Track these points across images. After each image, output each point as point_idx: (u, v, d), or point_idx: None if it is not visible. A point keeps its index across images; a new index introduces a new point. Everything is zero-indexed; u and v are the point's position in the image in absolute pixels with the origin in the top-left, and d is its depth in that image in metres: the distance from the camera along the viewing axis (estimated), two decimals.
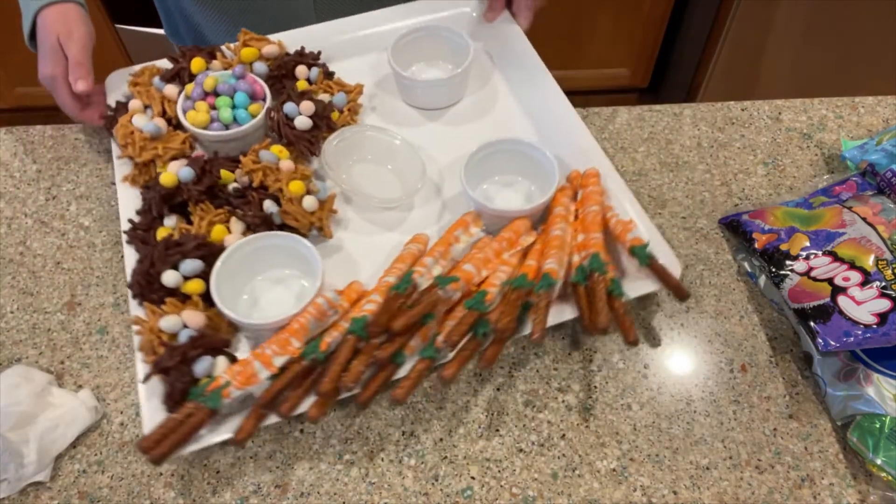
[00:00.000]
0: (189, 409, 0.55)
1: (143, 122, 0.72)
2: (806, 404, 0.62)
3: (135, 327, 0.61)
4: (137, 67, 0.81)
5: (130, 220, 0.68)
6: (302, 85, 0.77)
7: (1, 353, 0.66)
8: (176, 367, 0.57)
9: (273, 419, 0.57)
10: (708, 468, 0.59)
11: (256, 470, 0.59)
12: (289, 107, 0.72)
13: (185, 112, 0.73)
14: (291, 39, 0.82)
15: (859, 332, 0.58)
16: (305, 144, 0.72)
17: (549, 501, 0.58)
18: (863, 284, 0.60)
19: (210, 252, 0.63)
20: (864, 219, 0.66)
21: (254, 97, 0.75)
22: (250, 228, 0.67)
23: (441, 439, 0.61)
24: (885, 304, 0.59)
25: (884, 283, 0.60)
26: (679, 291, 0.62)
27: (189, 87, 0.74)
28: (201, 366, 0.58)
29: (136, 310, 0.63)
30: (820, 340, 0.59)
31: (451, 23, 0.84)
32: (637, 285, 0.63)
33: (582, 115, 0.78)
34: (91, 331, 0.67)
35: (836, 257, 0.63)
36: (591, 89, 1.90)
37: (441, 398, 0.63)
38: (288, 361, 0.57)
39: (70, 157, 0.81)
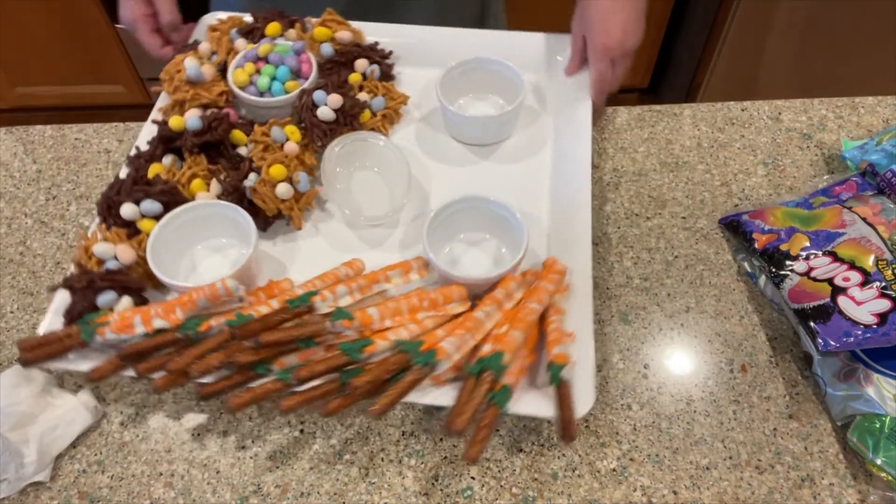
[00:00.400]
0: (70, 332, 0.58)
1: (191, 64, 0.74)
2: (806, 404, 0.62)
3: (80, 240, 0.64)
4: (226, 15, 0.84)
5: (137, 147, 0.72)
6: (354, 78, 0.77)
7: (1, 353, 0.66)
8: (81, 289, 0.60)
9: (130, 372, 0.58)
10: (708, 468, 0.59)
11: (256, 470, 0.59)
12: (318, 94, 0.72)
13: (234, 68, 0.76)
14: (372, 31, 0.83)
15: (859, 333, 0.58)
16: (319, 134, 0.72)
17: (549, 501, 0.58)
18: (863, 284, 0.60)
19: (174, 200, 0.66)
20: (864, 219, 0.66)
21: (298, 75, 0.76)
22: (224, 194, 0.68)
23: (441, 439, 0.61)
24: (885, 305, 0.59)
25: (884, 284, 0.60)
26: (567, 429, 0.54)
27: (249, 47, 0.77)
28: (104, 298, 0.61)
29: (94, 227, 0.66)
30: (820, 340, 0.59)
31: (528, 58, 0.81)
32: (536, 403, 0.56)
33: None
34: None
35: (836, 257, 0.63)
36: None
37: None
38: (166, 328, 0.57)
39: (70, 157, 0.82)
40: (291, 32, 0.80)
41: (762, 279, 0.69)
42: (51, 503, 0.58)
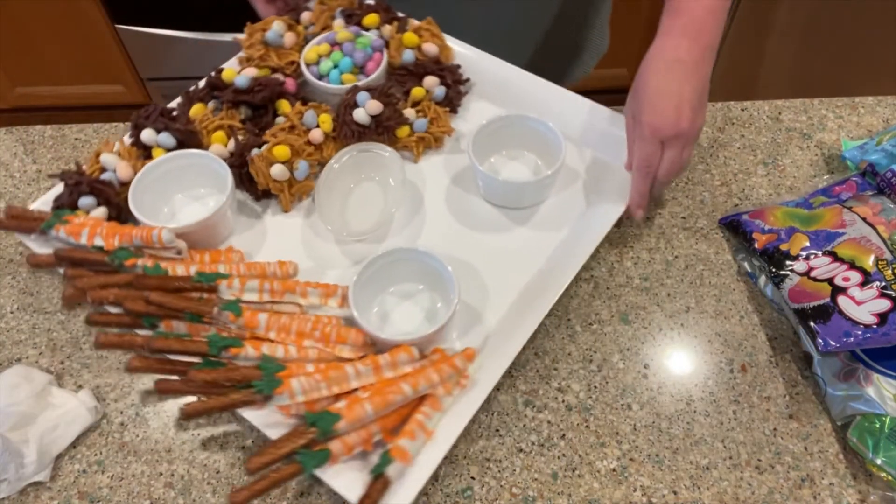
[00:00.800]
0: (41, 216, 0.65)
1: (277, 27, 0.77)
2: (806, 404, 0.62)
3: (104, 146, 0.70)
4: None
5: (197, 85, 0.76)
6: (418, 92, 0.76)
7: (1, 353, 0.66)
8: (70, 185, 0.67)
9: (59, 269, 0.63)
10: (708, 468, 0.59)
11: None
12: (361, 95, 0.72)
13: (312, 44, 0.78)
14: (463, 55, 0.81)
15: (859, 332, 0.58)
16: (347, 133, 0.72)
17: (549, 501, 0.58)
18: (863, 284, 0.60)
19: (189, 142, 0.70)
20: (864, 219, 0.66)
21: (361, 70, 0.77)
22: (232, 154, 0.70)
23: None
24: (885, 304, 0.59)
25: (884, 283, 0.60)
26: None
27: (339, 28, 0.78)
28: (85, 201, 0.66)
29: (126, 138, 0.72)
30: (820, 340, 0.59)
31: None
32: (348, 481, 0.54)
33: None
34: (91, 331, 0.67)
35: (836, 257, 0.63)
36: (591, 89, 1.90)
37: None
38: (100, 249, 0.62)
39: (70, 157, 0.81)
40: (387, 28, 0.80)
41: (762, 279, 0.69)
42: (51, 503, 0.58)
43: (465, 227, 0.71)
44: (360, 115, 0.71)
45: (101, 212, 0.67)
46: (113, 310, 0.60)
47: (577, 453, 0.60)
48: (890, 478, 0.56)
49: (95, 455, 0.60)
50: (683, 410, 0.62)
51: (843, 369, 0.61)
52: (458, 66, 0.80)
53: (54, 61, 1.83)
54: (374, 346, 0.60)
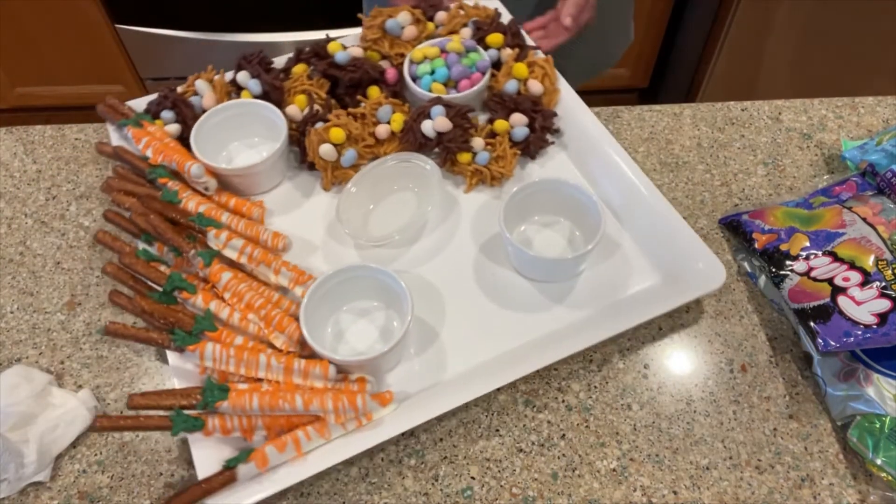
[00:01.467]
0: (127, 113, 0.75)
1: (402, 18, 0.79)
2: (806, 404, 0.62)
3: (206, 74, 0.78)
4: (498, 5, 0.86)
5: (312, 45, 0.79)
6: (500, 126, 0.74)
7: (1, 353, 0.66)
8: (160, 97, 0.76)
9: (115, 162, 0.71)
10: (708, 468, 0.59)
11: None
12: (436, 109, 0.72)
13: (426, 44, 0.79)
14: (568, 104, 0.77)
15: (859, 332, 0.58)
16: (410, 139, 0.73)
17: (549, 501, 0.58)
18: (863, 284, 0.60)
19: (272, 95, 0.75)
20: (864, 219, 0.66)
21: (455, 86, 0.77)
22: (301, 121, 0.74)
23: (441, 439, 0.61)
24: (885, 304, 0.59)
25: (884, 284, 0.60)
26: (176, 498, 0.54)
27: (454, 37, 0.78)
28: (165, 114, 0.74)
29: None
30: (820, 340, 0.59)
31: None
32: (207, 458, 0.56)
33: None
34: (91, 331, 0.67)
35: (836, 257, 0.63)
36: (591, 89, 1.90)
37: None
38: (147, 160, 0.71)
39: (70, 157, 0.81)
40: (507, 51, 0.79)
41: (762, 279, 0.69)
42: (51, 503, 0.58)
43: (479, 274, 0.68)
44: (427, 126, 0.71)
45: (174, 128, 0.73)
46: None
47: (577, 453, 0.60)
48: (890, 478, 0.56)
49: (95, 455, 0.60)
50: (683, 410, 0.62)
51: (843, 369, 0.61)
52: (555, 114, 0.76)
53: (54, 61, 1.83)
54: (309, 350, 0.59)
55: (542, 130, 0.75)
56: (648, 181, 0.71)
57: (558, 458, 0.60)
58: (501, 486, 0.58)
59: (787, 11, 1.55)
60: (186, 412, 0.55)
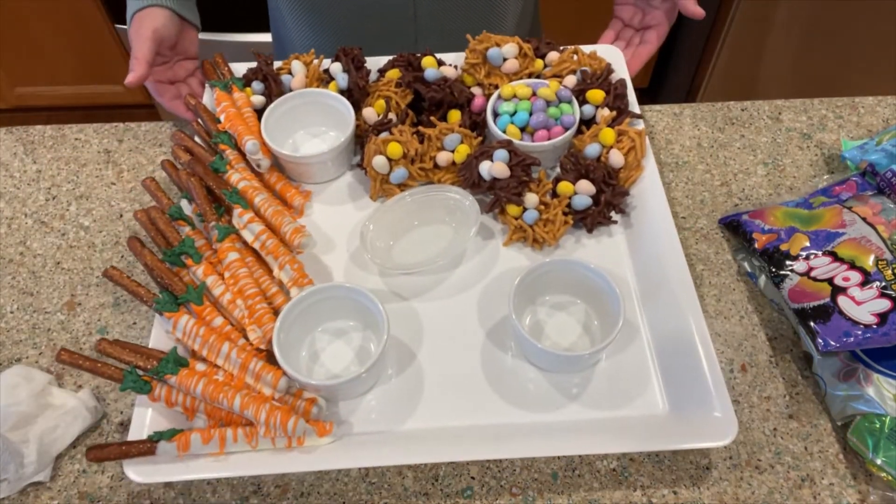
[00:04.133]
0: (220, 64, 0.79)
1: (507, 49, 0.76)
2: (806, 404, 0.62)
3: (304, 57, 0.79)
4: (616, 53, 0.81)
5: (410, 57, 0.78)
6: (564, 188, 0.69)
7: (1, 353, 0.66)
8: (256, 69, 0.77)
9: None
10: (708, 468, 0.59)
11: None
12: (500, 153, 0.68)
13: (520, 82, 0.75)
14: (649, 189, 0.69)
15: (859, 332, 0.58)
16: (466, 174, 0.70)
17: (549, 501, 0.58)
18: (863, 284, 0.60)
19: (354, 93, 0.75)
20: (864, 219, 0.66)
21: (530, 133, 0.72)
22: (372, 126, 0.74)
23: None
24: (885, 304, 0.59)
25: (884, 283, 0.60)
26: (96, 451, 0.55)
27: (552, 83, 0.73)
28: (256, 85, 0.77)
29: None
30: (820, 340, 0.59)
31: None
32: (140, 419, 0.57)
33: None
34: (91, 331, 0.67)
35: (836, 257, 0.63)
36: None
37: None
38: (219, 123, 0.73)
39: (70, 157, 0.81)
40: (604, 112, 0.73)
41: (762, 279, 0.69)
42: (51, 503, 0.58)
43: (486, 330, 0.64)
44: (485, 167, 0.68)
45: (259, 100, 0.75)
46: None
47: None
48: (890, 478, 0.56)
49: None
50: None
51: (843, 369, 0.61)
52: (627, 193, 0.70)
53: (54, 61, 1.83)
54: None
55: (607, 206, 0.69)
56: (696, 299, 0.62)
57: (558, 458, 0.60)
58: (501, 486, 0.58)
59: (787, 11, 1.55)
60: (140, 373, 0.57)
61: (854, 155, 0.76)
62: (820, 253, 0.65)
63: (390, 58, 0.78)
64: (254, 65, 0.78)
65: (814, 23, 1.58)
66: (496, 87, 0.76)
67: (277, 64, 0.79)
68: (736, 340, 0.66)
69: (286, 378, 0.57)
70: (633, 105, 0.76)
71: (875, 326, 0.58)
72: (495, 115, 0.74)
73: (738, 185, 0.78)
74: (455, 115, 0.75)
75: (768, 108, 0.85)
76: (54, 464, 0.59)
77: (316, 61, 0.77)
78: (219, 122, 0.73)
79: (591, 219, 0.69)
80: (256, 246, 0.65)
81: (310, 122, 0.77)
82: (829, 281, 0.62)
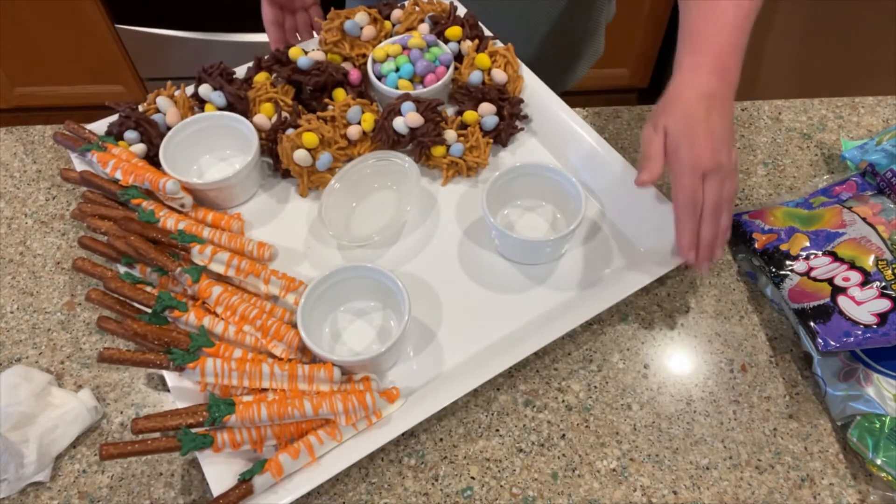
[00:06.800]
0: (91, 138, 0.72)
1: (359, 18, 0.78)
2: (806, 404, 0.62)
3: (165, 90, 0.75)
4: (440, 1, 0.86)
5: (272, 51, 0.78)
6: (470, 117, 0.74)
7: (1, 353, 0.66)
8: (121, 117, 0.73)
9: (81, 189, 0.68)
10: (708, 468, 0.59)
11: None
12: (406, 105, 0.72)
13: (386, 42, 0.79)
14: (533, 90, 0.78)
15: (859, 332, 0.58)
16: (383, 138, 0.73)
17: (549, 501, 0.58)
18: (863, 284, 0.60)
19: (237, 107, 0.74)
20: (864, 219, 0.66)
21: (421, 81, 0.77)
22: (269, 128, 0.73)
23: (441, 439, 0.61)
24: (885, 304, 0.59)
25: (884, 283, 0.60)
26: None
27: (415, 33, 0.79)
28: (129, 135, 0.72)
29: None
30: (820, 340, 0.59)
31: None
32: (217, 474, 0.55)
33: (582, 115, 0.78)
34: (91, 331, 0.67)
35: (836, 257, 0.63)
36: (591, 89, 1.90)
37: None
38: (116, 182, 0.68)
39: (70, 158, 0.81)
40: (467, 44, 0.79)
41: (762, 279, 0.69)
42: (51, 503, 0.58)
43: (465, 264, 0.69)
44: (399, 123, 0.71)
45: (140, 148, 0.71)
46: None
47: (577, 453, 0.60)
48: (890, 478, 0.56)
49: (95, 455, 0.60)
50: (683, 410, 0.62)
51: (843, 369, 0.61)
52: (522, 101, 0.77)
53: (54, 61, 1.83)
54: (310, 355, 0.60)
55: (511, 118, 0.76)
56: (620, 157, 0.71)
57: (558, 458, 0.60)
58: (501, 486, 0.58)
59: (787, 11, 1.55)
60: (194, 430, 0.54)
61: (854, 155, 0.76)
62: (820, 253, 0.65)
63: (249, 65, 0.79)
64: (114, 118, 0.74)
65: (814, 23, 1.58)
66: (363, 55, 0.78)
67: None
68: (736, 340, 0.66)
69: (338, 369, 0.57)
70: (486, 31, 0.83)
71: (875, 326, 0.58)
72: (379, 78, 0.77)
73: (738, 185, 0.78)
74: (340, 94, 0.76)
75: (768, 108, 0.85)
76: (54, 464, 0.59)
77: (178, 92, 0.75)
78: (116, 180, 0.68)
79: (504, 133, 0.76)
80: (231, 273, 0.63)
81: (208, 149, 0.75)
82: (829, 281, 0.62)
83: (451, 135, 0.73)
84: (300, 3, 0.85)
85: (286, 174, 0.74)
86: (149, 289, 0.62)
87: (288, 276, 0.64)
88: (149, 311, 0.60)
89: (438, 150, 0.73)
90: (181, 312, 0.60)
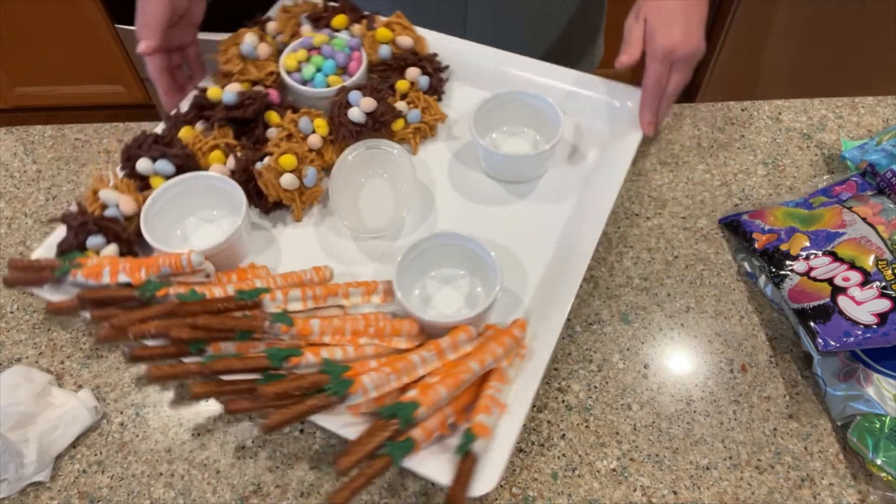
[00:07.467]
0: (51, 264, 0.61)
1: (249, 39, 0.76)
2: (806, 404, 0.62)
3: (92, 179, 0.67)
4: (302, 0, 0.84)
5: (178, 108, 0.74)
6: (402, 85, 0.76)
7: (1, 353, 0.66)
8: (75, 227, 0.63)
9: (85, 315, 0.60)
10: (708, 468, 0.59)
11: (256, 470, 0.59)
12: (353, 94, 0.71)
13: (288, 52, 0.77)
14: (437, 44, 0.81)
15: (859, 332, 0.58)
16: (346, 133, 0.72)
17: (549, 501, 0.58)
18: (863, 284, 0.60)
19: (188, 166, 0.68)
20: (864, 219, 0.66)
21: (344, 71, 0.76)
22: (235, 171, 0.69)
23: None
24: (885, 304, 0.59)
25: (884, 283, 0.60)
26: (455, 499, 0.51)
27: (309, 34, 0.78)
28: (94, 241, 0.63)
29: (116, 172, 0.69)
30: (820, 340, 0.59)
31: (584, 101, 0.77)
32: (437, 465, 0.54)
33: None
34: (92, 331, 0.67)
35: (836, 257, 0.63)
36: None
37: None
38: (127, 283, 0.60)
39: (70, 157, 0.81)
40: (356, 28, 0.80)
41: (762, 279, 0.69)
42: (51, 503, 0.58)
43: (475, 205, 0.73)
44: (354, 114, 0.71)
45: (112, 249, 0.63)
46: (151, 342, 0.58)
47: (577, 453, 0.60)
48: (890, 478, 0.56)
49: (95, 455, 0.60)
50: (683, 410, 0.62)
51: (843, 369, 0.61)
52: (435, 55, 0.80)
53: (54, 61, 1.83)
54: (425, 333, 0.61)
55: (436, 72, 0.79)
56: (548, 65, 0.79)
57: (558, 458, 0.60)
58: (501, 486, 0.58)
59: (787, 11, 1.55)
60: (394, 441, 0.52)
61: (854, 155, 0.76)
62: (820, 253, 0.65)
63: (163, 126, 0.73)
64: (57, 236, 0.65)
65: (814, 23, 1.58)
66: (272, 73, 0.76)
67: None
68: (736, 340, 0.66)
69: (472, 327, 0.58)
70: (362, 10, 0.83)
71: (875, 326, 0.58)
72: (304, 83, 0.76)
73: (738, 185, 0.78)
74: (274, 116, 0.73)
75: (768, 108, 0.85)
76: (54, 464, 0.59)
77: (117, 180, 0.67)
78: (127, 284, 0.60)
79: (437, 87, 0.79)
80: (311, 305, 0.61)
81: (183, 217, 0.69)
82: (829, 281, 0.62)
83: (402, 106, 0.75)
84: (178, 43, 0.75)
85: (274, 207, 0.71)
86: (252, 353, 0.57)
87: (360, 282, 0.63)
88: (258, 375, 0.55)
89: (398, 124, 0.74)
90: (298, 357, 0.56)
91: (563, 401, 0.63)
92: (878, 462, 0.56)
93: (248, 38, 0.76)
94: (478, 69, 0.81)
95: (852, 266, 0.62)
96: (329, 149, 0.73)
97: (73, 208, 0.65)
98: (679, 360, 0.65)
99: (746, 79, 1.72)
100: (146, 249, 0.65)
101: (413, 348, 0.59)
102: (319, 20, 0.81)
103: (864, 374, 0.59)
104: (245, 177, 0.68)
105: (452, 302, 0.65)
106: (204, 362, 0.55)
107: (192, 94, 0.75)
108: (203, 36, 0.80)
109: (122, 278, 0.60)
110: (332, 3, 0.83)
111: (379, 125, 0.73)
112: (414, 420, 0.53)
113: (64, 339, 0.67)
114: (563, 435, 0.61)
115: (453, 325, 0.58)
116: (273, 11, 0.84)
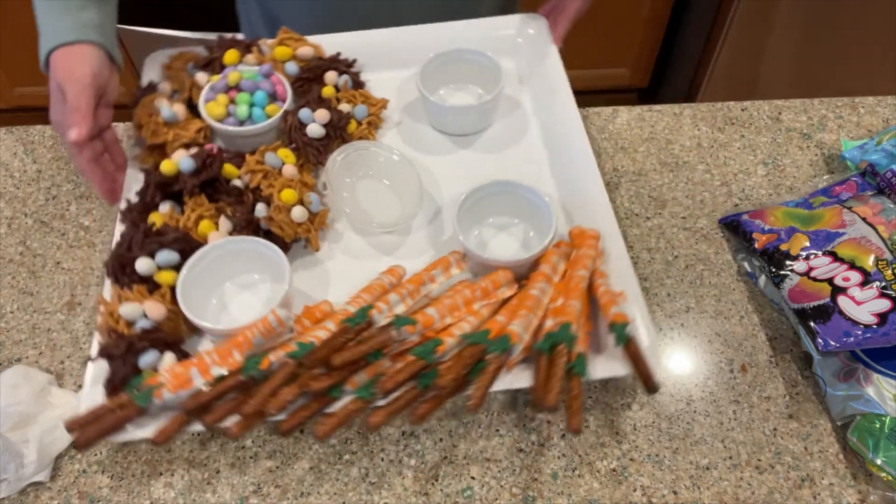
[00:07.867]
0: (121, 401, 0.54)
1: (164, 105, 0.72)
2: (806, 404, 0.62)
3: (100, 307, 0.61)
4: (176, 51, 0.81)
5: (128, 200, 0.68)
6: (328, 91, 0.76)
7: (1, 353, 0.66)
8: (121, 355, 0.57)
9: (197, 426, 0.55)
10: (708, 468, 0.59)
11: (256, 470, 0.59)
12: (303, 113, 0.71)
13: (205, 102, 0.73)
14: (331, 43, 0.82)
15: (859, 332, 0.58)
16: (314, 152, 0.71)
17: (549, 501, 0.58)
18: (863, 284, 0.60)
19: (189, 247, 0.63)
20: (864, 219, 0.66)
21: (274, 97, 0.74)
22: (236, 229, 0.66)
23: (441, 439, 0.61)
24: (885, 304, 0.59)
25: (884, 283, 0.60)
26: (648, 383, 0.55)
27: (215, 78, 0.75)
28: (147, 358, 0.57)
29: (109, 290, 0.62)
30: (820, 340, 0.59)
31: (489, 44, 0.80)
32: (608, 365, 0.58)
33: (582, 115, 0.78)
34: (91, 331, 0.67)
35: (836, 257, 0.63)
36: (591, 89, 1.90)
37: None
38: (226, 373, 0.56)
39: (70, 157, 0.81)
40: (250, 57, 0.77)
41: (762, 279, 0.69)
42: (51, 503, 0.58)
43: (457, 166, 0.76)
44: (314, 130, 0.71)
45: (170, 358, 0.59)
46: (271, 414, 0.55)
47: (577, 453, 0.60)
48: (890, 478, 0.56)
49: (95, 455, 0.60)
50: (683, 410, 0.62)
51: (843, 369, 0.61)
52: (339, 54, 0.81)
53: None
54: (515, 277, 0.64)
55: (347, 66, 0.80)
56: (433, 26, 0.82)
57: (558, 458, 0.60)
58: (501, 486, 0.58)
59: (787, 11, 1.55)
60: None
61: (854, 155, 0.76)
62: (820, 253, 0.65)
63: (122, 230, 0.66)
64: (97, 368, 0.59)
65: (814, 23, 1.58)
66: (200, 128, 0.73)
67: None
68: (736, 340, 0.66)
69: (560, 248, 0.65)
70: (241, 35, 0.83)
71: (875, 326, 0.58)
72: (242, 124, 0.73)
73: (738, 185, 0.78)
74: (229, 168, 0.68)
75: (768, 108, 0.85)
76: (54, 464, 0.59)
77: (124, 288, 0.62)
78: (219, 379, 0.56)
79: (357, 82, 0.81)
80: (410, 302, 0.61)
81: (214, 287, 0.65)
82: (829, 281, 0.62)
83: (344, 107, 0.76)
84: (99, 127, 0.68)
85: (290, 244, 0.68)
86: (399, 366, 0.56)
87: (434, 263, 0.64)
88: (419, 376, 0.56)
89: (352, 126, 0.75)
90: (442, 346, 0.57)
91: (563, 400, 0.63)
92: (878, 462, 0.56)
93: (162, 104, 0.72)
94: (383, 53, 0.83)
95: (852, 266, 0.62)
96: (304, 173, 0.70)
97: (97, 340, 0.60)
98: (679, 360, 0.65)
99: (746, 79, 1.72)
100: (192, 345, 0.63)
101: (521, 289, 0.62)
102: (210, 64, 0.77)
103: (864, 374, 0.59)
104: (249, 230, 0.66)
105: (508, 246, 0.69)
106: (362, 396, 0.54)
107: (138, 177, 0.71)
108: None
109: (216, 371, 0.56)
110: (210, 44, 0.79)
111: (338, 132, 0.73)
112: (573, 337, 0.57)
113: (64, 339, 0.67)
114: (563, 435, 0.61)
115: (521, 262, 0.63)
116: (150, 73, 0.79)
